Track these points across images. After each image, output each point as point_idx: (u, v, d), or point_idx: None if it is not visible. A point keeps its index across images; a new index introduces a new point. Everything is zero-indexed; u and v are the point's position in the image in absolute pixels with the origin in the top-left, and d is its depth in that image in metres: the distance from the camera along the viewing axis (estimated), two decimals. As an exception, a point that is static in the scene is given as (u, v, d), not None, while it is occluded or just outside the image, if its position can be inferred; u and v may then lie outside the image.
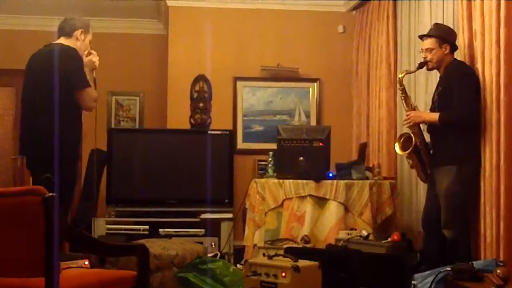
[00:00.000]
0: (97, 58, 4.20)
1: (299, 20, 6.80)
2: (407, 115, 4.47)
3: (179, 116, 6.64)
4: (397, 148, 4.56)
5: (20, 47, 7.38)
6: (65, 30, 4.22)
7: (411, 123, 4.42)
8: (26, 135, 4.18)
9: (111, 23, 7.61)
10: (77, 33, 4.21)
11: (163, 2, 6.76)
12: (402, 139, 4.54)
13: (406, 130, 4.64)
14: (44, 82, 4.02)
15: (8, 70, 7.26)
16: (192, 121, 6.69)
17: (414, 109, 4.50)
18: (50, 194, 2.47)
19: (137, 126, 7.48)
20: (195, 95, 6.70)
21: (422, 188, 5.11)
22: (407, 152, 4.46)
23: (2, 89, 7.67)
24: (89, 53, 4.19)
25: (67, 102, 3.97)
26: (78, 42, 4.20)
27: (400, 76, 4.61)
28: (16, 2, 6.92)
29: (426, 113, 4.48)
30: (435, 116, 4.22)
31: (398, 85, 4.66)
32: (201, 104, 6.68)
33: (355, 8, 6.73)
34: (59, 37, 4.26)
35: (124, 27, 7.66)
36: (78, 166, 4.31)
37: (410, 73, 4.78)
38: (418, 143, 4.44)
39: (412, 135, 4.44)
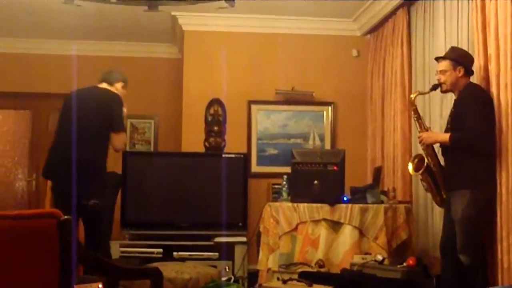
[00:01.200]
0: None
1: (313, 44, 6.83)
2: (419, 136, 4.46)
3: (193, 139, 6.65)
4: (410, 168, 4.55)
5: (35, 71, 7.53)
6: (109, 79, 4.73)
7: (423, 144, 4.41)
8: (59, 161, 4.55)
9: (127, 47, 7.70)
10: (118, 85, 4.73)
11: (179, 26, 6.82)
12: (416, 160, 4.52)
13: (421, 152, 4.63)
14: (88, 118, 4.46)
15: (24, 93, 7.35)
16: (206, 144, 6.70)
17: (427, 130, 4.49)
18: (66, 217, 2.47)
19: (151, 149, 7.51)
20: (210, 118, 6.72)
21: (438, 212, 5.07)
22: (419, 172, 4.44)
23: (18, 112, 7.74)
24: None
25: (104, 138, 4.49)
26: (117, 92, 4.69)
27: (412, 96, 4.61)
28: (32, 26, 7.01)
29: (438, 134, 4.48)
30: (446, 136, 4.21)
31: (410, 106, 4.65)
32: (215, 128, 6.70)
33: (369, 32, 6.75)
34: (101, 82, 4.76)
35: (140, 51, 7.74)
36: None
37: (422, 94, 4.79)
38: (432, 165, 4.41)
39: (424, 156, 4.43)
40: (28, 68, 7.47)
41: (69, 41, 7.44)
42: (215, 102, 6.73)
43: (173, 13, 6.57)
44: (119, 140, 4.48)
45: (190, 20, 6.69)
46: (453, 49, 4.45)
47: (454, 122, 4.25)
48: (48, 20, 6.69)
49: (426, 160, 4.39)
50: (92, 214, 4.38)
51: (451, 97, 4.56)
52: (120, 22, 6.80)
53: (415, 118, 4.56)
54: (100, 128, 4.46)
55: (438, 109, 5.17)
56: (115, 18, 6.56)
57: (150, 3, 3.55)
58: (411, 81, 5.79)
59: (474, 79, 4.35)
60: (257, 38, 6.82)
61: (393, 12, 6.04)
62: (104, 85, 4.69)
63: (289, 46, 6.80)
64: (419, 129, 4.52)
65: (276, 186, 6.06)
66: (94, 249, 4.19)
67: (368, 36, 6.83)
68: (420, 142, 4.44)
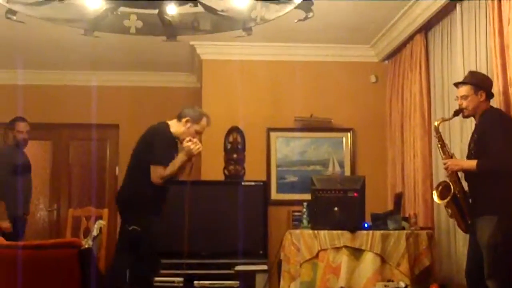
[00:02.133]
0: (198, 147, 4.54)
1: (331, 70, 6.85)
2: (444, 163, 4.40)
3: (213, 167, 6.66)
4: (435, 197, 4.49)
5: (56, 101, 7.62)
6: (180, 114, 4.75)
7: (448, 171, 4.36)
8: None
9: (146, 77, 7.78)
10: (184, 120, 4.67)
11: (197, 55, 6.88)
12: (440, 187, 4.46)
13: (442, 178, 4.58)
14: (135, 151, 4.69)
15: (45, 124, 7.42)
16: (226, 172, 6.71)
17: (451, 157, 4.44)
18: (87, 247, 2.48)
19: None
20: (229, 146, 6.74)
21: (461, 238, 5.00)
22: (445, 201, 4.38)
23: (39, 143, 7.81)
24: (189, 140, 4.52)
25: (142, 169, 4.53)
26: (183, 127, 4.65)
27: (436, 123, 4.57)
28: (52, 58, 7.11)
29: (464, 161, 4.40)
30: (473, 163, 4.15)
31: (434, 133, 4.62)
32: (234, 155, 6.71)
33: (387, 58, 6.76)
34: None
35: (159, 81, 7.82)
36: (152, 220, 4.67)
37: (446, 120, 4.74)
38: (457, 192, 4.36)
39: (450, 183, 4.37)
40: (49, 99, 7.57)
41: (89, 72, 7.54)
42: (234, 130, 6.75)
43: (191, 43, 6.64)
44: (154, 173, 4.49)
45: (208, 49, 6.76)
46: (472, 73, 4.43)
47: (478, 148, 4.20)
48: (68, 51, 6.78)
49: (452, 188, 4.33)
50: (133, 239, 4.50)
51: (471, 121, 4.53)
52: (139, 53, 6.88)
53: (439, 145, 4.51)
54: (140, 160, 4.57)
55: (459, 134, 5.14)
56: (134, 49, 6.64)
57: (168, 33, 3.58)
58: (430, 106, 5.76)
59: (493, 103, 4.32)
60: (275, 65, 6.85)
61: (410, 38, 6.05)
62: (173, 121, 4.74)
63: (307, 73, 6.83)
64: (443, 156, 4.46)
65: (296, 214, 6.04)
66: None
67: (386, 62, 6.83)
68: (445, 169, 4.38)
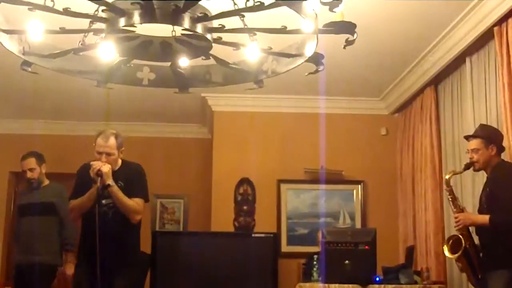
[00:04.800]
0: (100, 163, 4.18)
1: (341, 122, 6.87)
2: (455, 217, 4.36)
3: (223, 219, 6.64)
4: (446, 251, 4.44)
5: (71, 151, 7.64)
6: None
7: (460, 226, 4.31)
8: None
9: (158, 128, 7.84)
10: None
11: (208, 107, 6.94)
12: (451, 241, 4.42)
13: (454, 231, 4.53)
14: None
15: (60, 174, 7.44)
16: (236, 223, 6.68)
17: (463, 211, 4.41)
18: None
19: (181, 229, 7.49)
20: (239, 197, 6.73)
21: (473, 293, 4.92)
22: (456, 255, 4.33)
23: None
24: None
25: None
26: None
27: (447, 177, 4.55)
28: (66, 109, 7.21)
29: (476, 216, 4.36)
30: (485, 218, 4.11)
31: (445, 186, 4.60)
32: (245, 207, 6.69)
33: (397, 111, 6.79)
34: None
35: (170, 132, 7.87)
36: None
37: (457, 173, 4.72)
38: (468, 246, 4.31)
39: (461, 237, 4.33)
40: (63, 149, 7.61)
41: (102, 123, 7.60)
42: (245, 181, 6.75)
43: (203, 95, 6.71)
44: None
45: (220, 101, 6.82)
46: (482, 126, 4.43)
47: (490, 202, 4.17)
48: (82, 102, 6.87)
49: (463, 242, 4.29)
50: None
51: (482, 174, 4.50)
52: (151, 104, 6.96)
53: (450, 199, 4.49)
54: None
55: (470, 188, 5.10)
56: (146, 100, 6.72)
57: (180, 85, 3.62)
58: (441, 158, 5.75)
59: (504, 156, 4.31)
60: (286, 117, 6.89)
61: (420, 91, 6.08)
62: None
63: (317, 125, 6.83)
64: (454, 210, 4.43)
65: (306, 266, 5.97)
66: None
67: (396, 114, 6.86)
68: (457, 223, 4.34)
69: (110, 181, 4.12)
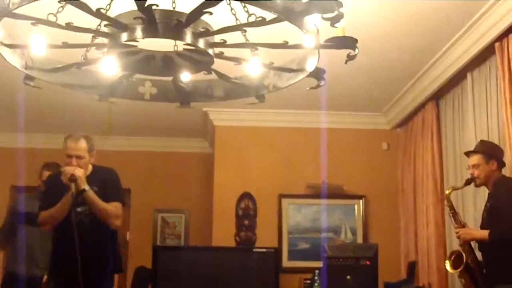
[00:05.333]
0: (71, 168, 3.98)
1: (343, 137, 6.88)
2: (456, 233, 4.36)
3: (224, 234, 6.62)
4: (448, 266, 4.43)
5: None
6: None
7: (461, 241, 4.31)
8: None
9: (159, 142, 7.85)
10: None
11: (210, 121, 6.95)
12: (453, 256, 4.40)
13: (456, 247, 4.52)
14: None
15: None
16: (237, 238, 6.66)
17: (463, 226, 4.40)
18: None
19: (182, 244, 7.48)
20: (240, 212, 6.72)
21: (476, 309, 4.89)
22: (458, 270, 4.32)
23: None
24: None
25: None
26: None
27: (447, 192, 4.55)
28: (70, 122, 7.21)
29: (476, 230, 4.35)
30: (485, 233, 4.10)
31: (445, 202, 4.59)
32: (246, 222, 6.68)
33: (399, 126, 6.79)
34: None
35: (172, 146, 7.88)
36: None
37: (457, 189, 4.72)
38: (470, 261, 4.30)
39: (463, 252, 4.32)
40: (63, 163, 7.59)
41: (103, 137, 7.61)
42: (246, 196, 6.75)
43: (204, 109, 6.72)
44: None
45: (221, 115, 6.83)
46: (482, 142, 4.43)
47: (491, 217, 4.16)
48: (83, 116, 6.88)
49: (464, 258, 4.27)
50: None
51: (484, 190, 4.50)
52: (152, 118, 6.97)
53: (450, 214, 4.49)
54: None
55: (472, 203, 5.10)
56: (148, 114, 6.72)
57: (182, 99, 3.62)
58: (442, 173, 5.75)
59: (506, 172, 4.31)
60: (287, 132, 6.90)
61: (421, 106, 6.09)
62: None
63: (319, 139, 6.84)
64: (455, 225, 4.43)
65: (308, 281, 5.95)
66: None
67: (398, 129, 6.86)
68: (458, 238, 4.33)
69: (85, 186, 3.91)
